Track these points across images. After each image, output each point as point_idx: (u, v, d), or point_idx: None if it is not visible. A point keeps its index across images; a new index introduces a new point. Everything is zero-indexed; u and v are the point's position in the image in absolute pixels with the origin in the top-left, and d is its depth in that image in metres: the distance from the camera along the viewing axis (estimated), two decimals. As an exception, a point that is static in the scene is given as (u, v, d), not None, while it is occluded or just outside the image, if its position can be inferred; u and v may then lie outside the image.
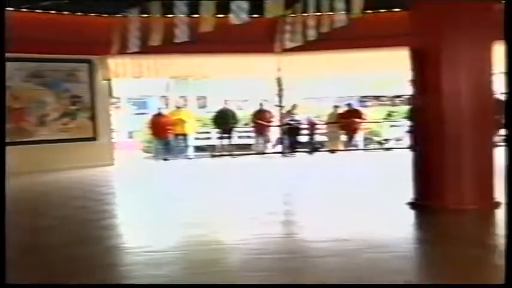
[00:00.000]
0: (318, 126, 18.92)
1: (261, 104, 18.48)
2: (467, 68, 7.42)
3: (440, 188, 7.37)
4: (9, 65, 6.64)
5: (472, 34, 7.41)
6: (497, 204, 7.39)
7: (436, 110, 7.40)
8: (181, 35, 10.52)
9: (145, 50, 11.62)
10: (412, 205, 7.66)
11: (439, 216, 7.15)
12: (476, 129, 7.41)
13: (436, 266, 5.07)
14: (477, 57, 7.51)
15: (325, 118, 19.05)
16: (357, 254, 5.47)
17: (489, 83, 7.68)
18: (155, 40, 11.12)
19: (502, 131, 13.42)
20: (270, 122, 18.03)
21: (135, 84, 20.60)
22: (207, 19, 10.30)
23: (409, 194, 7.70)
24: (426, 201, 7.49)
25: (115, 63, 15.35)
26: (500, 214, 7.09)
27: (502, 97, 13.77)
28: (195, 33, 10.56)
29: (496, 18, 7.50)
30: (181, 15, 10.57)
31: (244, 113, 20.05)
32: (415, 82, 7.71)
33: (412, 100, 8.04)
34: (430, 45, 7.48)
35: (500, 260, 4.02)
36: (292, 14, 12.55)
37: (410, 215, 7.42)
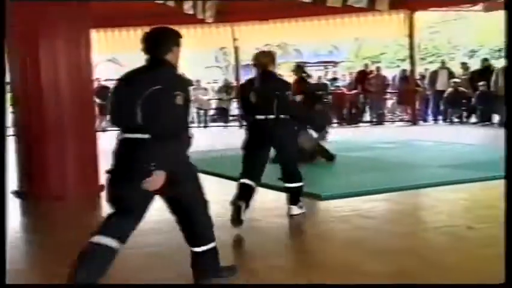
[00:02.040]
0: None
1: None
2: (64, 59, 7.70)
3: (43, 175, 7.64)
4: None
5: (66, 26, 7.68)
6: (102, 188, 7.81)
7: (36, 99, 7.60)
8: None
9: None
10: (17, 193, 7.74)
11: (44, 204, 7.41)
12: (76, 117, 7.68)
13: (44, 252, 5.33)
14: (74, 48, 7.82)
15: None
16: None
17: (88, 72, 7.98)
18: None
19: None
20: None
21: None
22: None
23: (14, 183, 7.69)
24: (30, 189, 7.72)
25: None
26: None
27: (108, 84, 12.85)
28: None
29: (89, 10, 7.86)
30: None
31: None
32: (13, 71, 7.71)
33: (12, 88, 7.94)
34: (28, 37, 7.59)
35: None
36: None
37: (16, 203, 7.48)
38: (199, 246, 3.87)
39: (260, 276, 4.14)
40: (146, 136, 3.41)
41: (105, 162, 8.25)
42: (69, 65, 7.71)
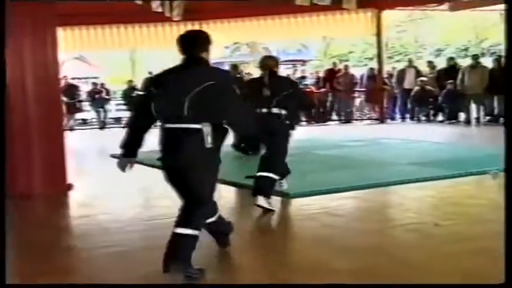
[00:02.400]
0: None
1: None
2: (31, 58, 7.58)
3: (10, 174, 7.46)
4: None
5: (32, 24, 7.56)
6: (69, 187, 7.75)
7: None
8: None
9: None
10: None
11: (11, 202, 7.24)
12: (43, 116, 7.60)
13: (10, 251, 5.07)
14: (40, 46, 7.71)
15: None
16: None
17: (55, 70, 7.89)
18: None
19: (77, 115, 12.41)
20: None
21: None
22: None
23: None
24: (-4, 188, 7.76)
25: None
26: (74, 196, 7.52)
27: (75, 82, 13.00)
28: None
29: (55, 9, 7.76)
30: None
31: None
32: None
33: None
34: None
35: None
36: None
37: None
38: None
39: (228, 276, 4.12)
40: (198, 126, 3.82)
41: (72, 160, 8.30)
42: (35, 64, 7.62)
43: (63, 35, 16.35)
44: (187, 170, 3.91)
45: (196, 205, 3.96)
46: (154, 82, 4.07)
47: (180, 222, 3.94)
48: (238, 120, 3.97)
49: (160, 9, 15.56)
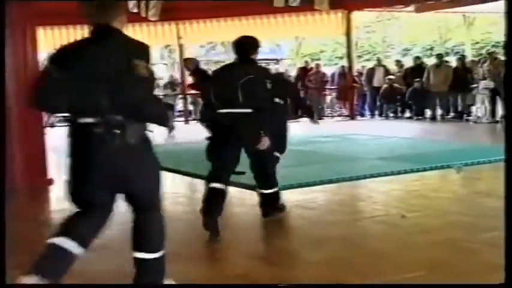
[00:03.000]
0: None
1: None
2: (11, 57, 7.46)
3: None
4: None
5: (12, 24, 7.43)
6: (50, 182, 7.70)
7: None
8: None
9: None
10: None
11: None
12: (24, 114, 7.48)
13: None
14: (20, 46, 7.65)
15: None
16: None
17: (34, 69, 7.80)
18: None
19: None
20: None
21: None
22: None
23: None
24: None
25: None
26: (54, 190, 7.46)
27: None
28: None
29: (34, 8, 7.67)
30: None
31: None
32: None
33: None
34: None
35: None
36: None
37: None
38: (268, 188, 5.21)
39: (200, 267, 4.12)
40: (249, 110, 4.73)
41: (53, 156, 8.22)
42: (15, 63, 7.55)
43: (43, 34, 16.21)
44: None
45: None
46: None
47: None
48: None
49: (136, 10, 15.48)
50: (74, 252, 3.20)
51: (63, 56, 3.16)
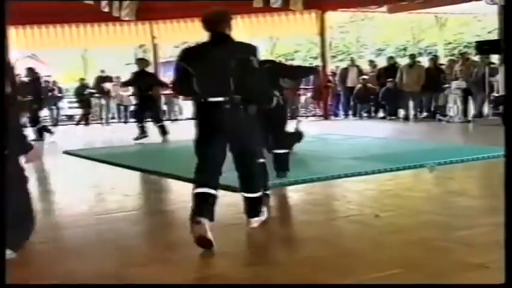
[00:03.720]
0: None
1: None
2: None
3: None
4: None
5: None
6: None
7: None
8: None
9: None
10: None
11: None
12: None
13: None
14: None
15: None
16: None
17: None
18: None
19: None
20: None
21: None
22: None
23: None
24: None
25: None
26: None
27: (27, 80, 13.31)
28: None
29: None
30: None
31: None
32: None
33: None
34: None
35: None
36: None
37: None
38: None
39: (171, 268, 4.08)
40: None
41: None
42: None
43: (15, 33, 16.03)
44: None
45: None
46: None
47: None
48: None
49: (107, 9, 15.38)
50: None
51: (190, 54, 4.55)
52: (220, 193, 4.71)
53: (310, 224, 5.26)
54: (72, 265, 4.17)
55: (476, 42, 16.01)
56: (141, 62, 13.30)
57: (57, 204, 6.85)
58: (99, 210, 6.09)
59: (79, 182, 7.98)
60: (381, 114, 17.00)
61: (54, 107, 19.01)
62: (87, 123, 18.83)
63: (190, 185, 4.75)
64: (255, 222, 4.93)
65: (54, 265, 4.23)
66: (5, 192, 3.45)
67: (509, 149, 3.08)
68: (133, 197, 6.87)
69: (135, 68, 12.98)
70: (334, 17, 19.23)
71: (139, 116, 12.82)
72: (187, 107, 18.21)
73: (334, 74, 18.53)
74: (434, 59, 16.98)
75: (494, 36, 16.25)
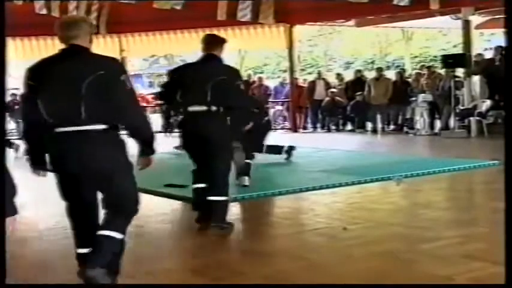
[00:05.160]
0: None
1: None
2: None
3: None
4: None
5: None
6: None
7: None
8: None
9: None
10: None
11: None
12: None
13: None
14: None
15: None
16: None
17: None
18: None
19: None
20: None
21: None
22: None
23: None
24: None
25: None
26: None
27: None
28: None
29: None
30: None
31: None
32: None
33: None
34: None
35: None
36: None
37: None
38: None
39: (139, 280, 4.02)
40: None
41: None
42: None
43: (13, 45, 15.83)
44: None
45: None
46: None
47: None
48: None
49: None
50: None
51: (178, 70, 5.69)
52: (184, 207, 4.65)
53: (278, 238, 5.23)
54: (38, 281, 4.08)
55: (442, 56, 16.22)
56: None
57: (22, 218, 6.70)
58: (65, 225, 5.97)
59: (45, 196, 7.84)
60: (349, 127, 17.08)
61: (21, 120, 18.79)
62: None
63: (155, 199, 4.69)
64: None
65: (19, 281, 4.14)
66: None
67: (508, 152, 3.09)
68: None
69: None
70: (302, 31, 19.32)
71: None
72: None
73: (301, 87, 18.57)
74: (401, 72, 17.14)
75: (459, 50, 16.47)
